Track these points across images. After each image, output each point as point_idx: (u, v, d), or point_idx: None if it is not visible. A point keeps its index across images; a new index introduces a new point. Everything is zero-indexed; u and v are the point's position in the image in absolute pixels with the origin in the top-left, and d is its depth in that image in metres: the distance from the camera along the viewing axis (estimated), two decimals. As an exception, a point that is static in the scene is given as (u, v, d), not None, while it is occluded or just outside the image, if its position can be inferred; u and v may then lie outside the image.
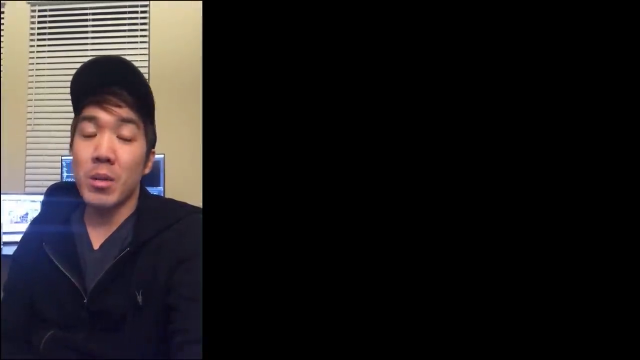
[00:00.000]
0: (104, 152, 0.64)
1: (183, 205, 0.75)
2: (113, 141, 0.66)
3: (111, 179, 0.66)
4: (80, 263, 0.69)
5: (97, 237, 0.71)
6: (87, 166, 0.65)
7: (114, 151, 0.66)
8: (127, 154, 0.67)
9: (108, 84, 0.66)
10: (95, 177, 0.65)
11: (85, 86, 0.67)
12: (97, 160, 0.65)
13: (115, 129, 0.66)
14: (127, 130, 0.67)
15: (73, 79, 0.67)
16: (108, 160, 0.65)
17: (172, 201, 0.76)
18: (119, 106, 0.66)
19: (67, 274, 0.67)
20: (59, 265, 0.67)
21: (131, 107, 0.67)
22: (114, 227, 0.71)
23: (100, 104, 0.66)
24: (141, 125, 0.69)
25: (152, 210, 0.72)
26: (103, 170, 0.65)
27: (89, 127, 0.66)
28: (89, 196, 0.66)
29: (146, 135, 0.71)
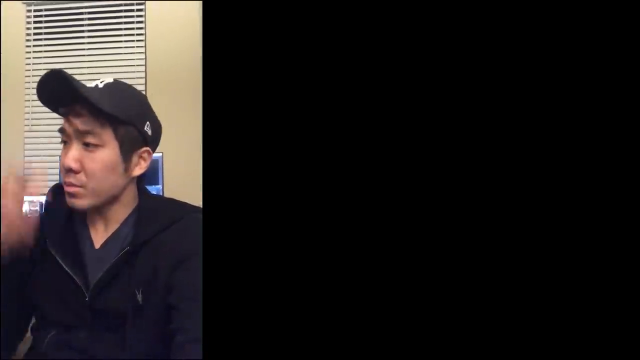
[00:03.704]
0: (66, 162, 0.66)
1: (183, 205, 0.75)
2: (78, 151, 0.67)
3: (78, 186, 0.67)
4: (83, 261, 0.69)
5: (99, 236, 0.72)
6: (63, 173, 0.68)
7: (79, 160, 0.66)
8: (92, 162, 0.67)
9: (60, 99, 0.67)
10: (66, 183, 0.68)
11: (48, 105, 0.69)
12: (64, 169, 0.67)
13: (81, 138, 0.67)
14: (90, 139, 0.67)
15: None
16: (72, 170, 0.66)
17: (172, 200, 0.77)
18: (79, 116, 0.66)
19: (69, 272, 0.67)
20: (62, 264, 0.68)
21: (91, 114, 0.66)
22: (114, 227, 0.72)
23: (65, 115, 0.68)
24: (108, 130, 0.67)
25: (153, 209, 0.73)
26: (70, 178, 0.67)
27: (62, 137, 0.69)
28: (66, 199, 0.69)
29: (118, 138, 0.68)
